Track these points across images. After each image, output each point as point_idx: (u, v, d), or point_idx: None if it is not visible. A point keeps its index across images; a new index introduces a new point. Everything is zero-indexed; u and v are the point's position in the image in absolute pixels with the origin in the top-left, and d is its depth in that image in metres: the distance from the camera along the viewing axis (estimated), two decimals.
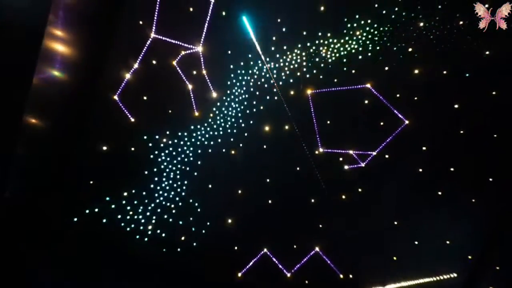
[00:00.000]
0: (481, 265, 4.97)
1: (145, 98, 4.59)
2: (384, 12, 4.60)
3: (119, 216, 4.63)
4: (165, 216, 4.78)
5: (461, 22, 4.51)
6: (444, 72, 4.65)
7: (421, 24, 4.58)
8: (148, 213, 4.72)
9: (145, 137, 4.65)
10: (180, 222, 4.81)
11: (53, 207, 4.52)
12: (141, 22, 4.47)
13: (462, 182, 4.86)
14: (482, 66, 4.58)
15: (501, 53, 4.52)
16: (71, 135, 4.56)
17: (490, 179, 4.85)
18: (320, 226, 4.99)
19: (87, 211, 4.56)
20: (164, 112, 4.65)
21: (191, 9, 4.51)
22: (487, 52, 4.55)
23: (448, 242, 4.95)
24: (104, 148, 4.59)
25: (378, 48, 4.66)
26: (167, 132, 4.71)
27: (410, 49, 4.64)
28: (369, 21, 4.62)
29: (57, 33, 4.19)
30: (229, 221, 4.89)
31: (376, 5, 4.58)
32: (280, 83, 4.75)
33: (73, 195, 4.59)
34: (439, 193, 4.91)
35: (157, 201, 4.73)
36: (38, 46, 3.93)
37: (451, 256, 4.96)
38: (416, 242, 4.97)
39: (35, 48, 3.93)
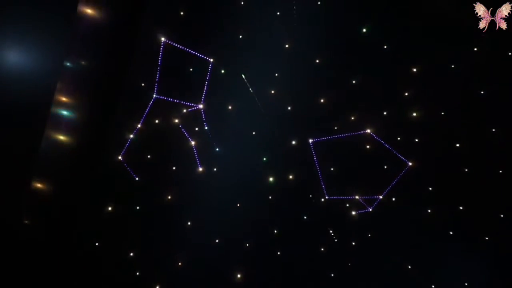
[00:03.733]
0: None
1: (149, 156, 4.67)
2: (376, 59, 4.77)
3: (126, 278, 4.54)
4: (174, 272, 4.68)
5: (452, 66, 4.65)
6: (442, 113, 4.72)
7: (415, 69, 4.72)
8: (155, 273, 4.62)
9: (150, 195, 4.67)
10: (189, 276, 4.69)
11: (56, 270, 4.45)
12: (143, 84, 4.65)
13: (473, 220, 4.77)
14: (480, 105, 4.65)
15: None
16: (76, 197, 4.59)
17: (502, 215, 4.76)
18: (332, 275, 4.85)
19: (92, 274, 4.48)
20: (168, 169, 4.71)
21: (191, 69, 4.71)
22: (482, 92, 4.63)
23: (466, 284, 4.77)
24: (109, 208, 4.60)
25: (375, 94, 4.78)
26: (172, 189, 4.73)
27: (406, 94, 4.75)
28: (363, 68, 4.77)
29: (63, 99, 4.35)
30: (238, 275, 4.77)
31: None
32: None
33: (78, 257, 4.54)
34: (451, 233, 4.81)
35: (163, 259, 4.65)
36: (46, 112, 4.07)
37: None
38: (433, 286, 4.79)
39: (43, 115, 4.07)
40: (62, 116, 4.37)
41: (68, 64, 4.20)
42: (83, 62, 4.50)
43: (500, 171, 4.71)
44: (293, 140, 4.85)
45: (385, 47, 4.70)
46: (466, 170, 4.76)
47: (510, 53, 4.50)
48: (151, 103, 4.65)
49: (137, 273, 4.58)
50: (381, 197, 4.83)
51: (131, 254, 4.59)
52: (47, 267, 4.35)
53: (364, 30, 4.67)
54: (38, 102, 4.03)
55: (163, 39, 4.65)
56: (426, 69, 4.71)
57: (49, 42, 3.97)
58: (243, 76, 4.58)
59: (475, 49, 4.53)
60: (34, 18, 3.93)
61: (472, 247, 4.76)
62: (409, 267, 4.80)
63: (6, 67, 3.90)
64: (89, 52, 4.51)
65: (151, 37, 4.72)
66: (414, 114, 4.75)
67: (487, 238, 4.76)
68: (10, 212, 4.09)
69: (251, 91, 4.57)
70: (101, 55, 4.65)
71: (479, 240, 4.77)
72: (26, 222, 4.20)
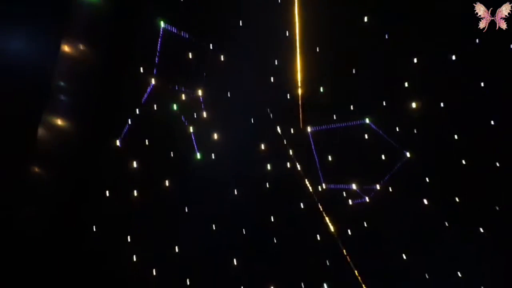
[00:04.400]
0: None
1: (147, 142, 4.68)
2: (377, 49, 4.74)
3: (123, 263, 4.58)
4: (171, 257, 4.70)
5: (453, 57, 4.63)
6: (442, 104, 4.72)
7: (415, 60, 4.69)
8: (152, 258, 4.64)
9: (147, 182, 4.68)
10: (186, 261, 4.71)
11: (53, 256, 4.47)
12: (142, 70, 4.63)
13: (468, 212, 4.81)
14: (480, 97, 4.65)
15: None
16: (74, 183, 4.59)
17: (497, 208, 4.80)
18: (327, 263, 4.90)
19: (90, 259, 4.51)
20: (166, 155, 4.71)
21: (190, 55, 4.68)
22: (482, 84, 4.62)
23: (459, 274, 4.83)
24: (107, 193, 4.61)
25: (375, 84, 4.76)
26: (170, 175, 4.74)
27: (406, 84, 4.74)
28: (363, 58, 4.76)
29: (62, 84, 4.32)
30: (234, 261, 4.81)
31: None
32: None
33: (75, 243, 4.56)
34: (446, 224, 4.85)
35: (161, 246, 4.67)
36: (44, 97, 4.04)
37: None
38: (427, 276, 4.85)
39: (41, 98, 4.03)
40: (59, 102, 4.35)
41: (66, 48, 4.16)
42: (81, 47, 4.46)
43: (498, 164, 4.74)
44: (292, 128, 4.87)
45: (386, 36, 4.68)
46: (464, 162, 4.79)
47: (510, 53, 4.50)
48: (150, 89, 4.63)
49: (134, 258, 4.62)
50: (378, 187, 4.86)
51: (128, 239, 4.62)
52: (43, 250, 4.36)
53: (366, 19, 4.64)
54: (35, 87, 3.99)
55: (162, 24, 4.62)
56: (426, 60, 4.69)
57: (46, 26, 3.93)
58: (243, 64, 4.56)
59: (477, 40, 4.51)
60: (32, 2, 3.87)
61: (467, 238, 4.81)
62: (404, 256, 4.86)
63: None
64: (87, 36, 4.47)
65: (151, 23, 4.67)
66: (414, 105, 4.76)
67: (482, 230, 4.81)
68: (8, 198, 4.07)
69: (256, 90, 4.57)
70: (99, 39, 4.61)
71: (474, 231, 4.82)
72: (24, 208, 4.19)
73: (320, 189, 4.88)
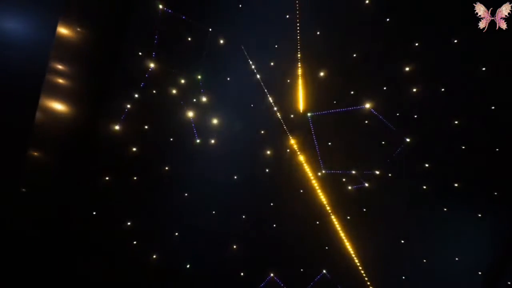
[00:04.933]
0: (492, 280, 4.89)
1: (146, 127, 4.64)
2: (378, 33, 4.69)
3: (123, 248, 4.59)
4: (171, 242, 4.74)
5: (455, 41, 4.59)
6: (442, 89, 4.69)
7: (416, 44, 4.65)
8: (151, 243, 4.68)
9: (147, 166, 4.67)
10: (186, 246, 4.76)
11: (54, 243, 4.48)
12: (140, 53, 4.57)
13: (467, 197, 4.82)
14: (480, 81, 4.62)
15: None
16: (73, 167, 4.57)
17: (495, 193, 4.81)
18: (327, 248, 4.93)
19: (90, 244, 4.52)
20: (165, 140, 4.70)
21: (189, 39, 4.61)
22: (484, 68, 4.59)
23: (457, 258, 4.87)
24: (107, 178, 4.60)
25: (375, 68, 4.72)
26: (169, 160, 4.73)
27: (407, 68, 4.70)
28: (364, 42, 4.70)
29: (59, 67, 4.25)
30: (234, 246, 4.83)
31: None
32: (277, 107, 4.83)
33: (75, 227, 4.56)
34: (445, 209, 4.87)
35: (161, 229, 4.69)
36: (40, 81, 3.97)
37: (461, 273, 4.87)
38: (425, 260, 4.90)
39: (37, 82, 3.97)
40: (57, 85, 4.30)
41: (63, 30, 4.08)
42: (78, 29, 4.39)
43: (497, 149, 4.74)
44: (292, 113, 4.84)
45: (387, 20, 4.62)
46: (463, 147, 4.79)
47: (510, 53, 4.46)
48: (149, 73, 4.58)
49: (134, 242, 4.64)
50: (377, 172, 4.86)
51: (129, 223, 4.63)
52: (42, 236, 4.36)
53: (367, 1, 4.58)
54: (32, 70, 3.93)
55: (161, 7, 4.55)
56: (427, 44, 4.64)
57: (42, 8, 3.85)
58: (242, 47, 4.50)
59: (479, 26, 4.46)
60: None
61: (465, 224, 4.83)
62: (402, 241, 4.89)
63: None
64: (85, 19, 4.39)
65: (149, 5, 4.60)
66: (414, 90, 4.73)
67: (480, 215, 4.84)
68: (7, 180, 4.05)
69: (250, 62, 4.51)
70: (97, 22, 4.54)
71: (472, 217, 4.85)
72: (23, 190, 4.17)
73: (319, 174, 4.87)
